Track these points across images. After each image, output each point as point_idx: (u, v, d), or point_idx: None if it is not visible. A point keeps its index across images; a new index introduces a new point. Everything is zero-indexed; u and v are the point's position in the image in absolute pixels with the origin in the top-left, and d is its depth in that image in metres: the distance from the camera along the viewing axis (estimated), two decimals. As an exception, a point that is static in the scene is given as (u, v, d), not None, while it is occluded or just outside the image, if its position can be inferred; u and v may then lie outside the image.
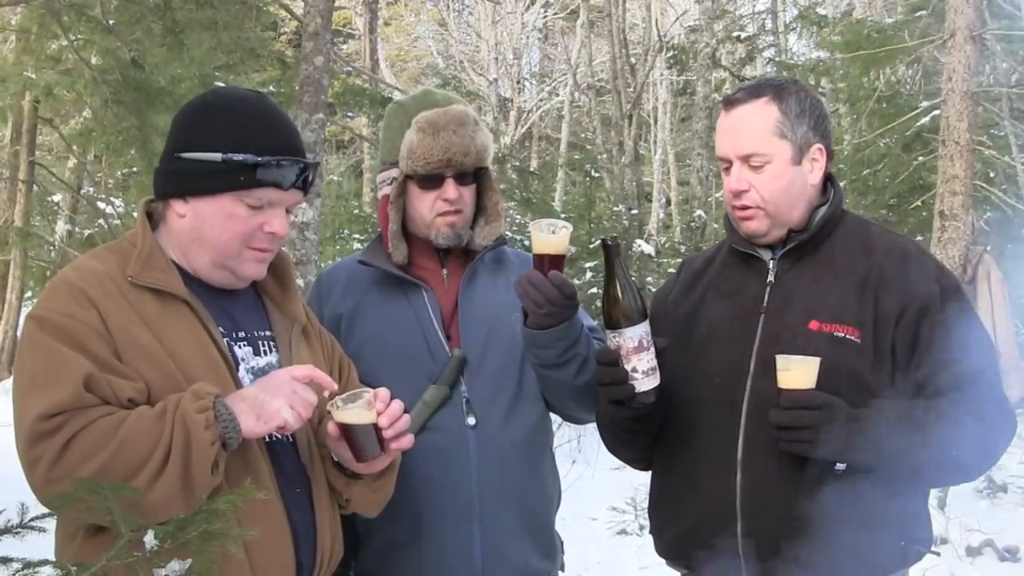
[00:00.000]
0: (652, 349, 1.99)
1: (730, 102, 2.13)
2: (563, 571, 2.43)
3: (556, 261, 2.13)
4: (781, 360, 1.92)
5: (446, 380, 2.24)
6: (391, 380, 2.15)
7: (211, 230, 1.80)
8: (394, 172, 2.33)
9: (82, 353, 1.63)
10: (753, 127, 2.08)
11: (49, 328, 1.66)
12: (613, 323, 1.98)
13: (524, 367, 2.30)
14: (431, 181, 2.27)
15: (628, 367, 1.97)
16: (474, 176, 2.33)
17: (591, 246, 10.75)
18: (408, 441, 1.86)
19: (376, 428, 1.80)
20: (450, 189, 2.27)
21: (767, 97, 2.08)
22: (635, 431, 2.18)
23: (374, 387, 2.20)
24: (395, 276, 2.32)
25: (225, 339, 1.82)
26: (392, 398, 1.85)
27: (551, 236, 2.13)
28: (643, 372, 1.98)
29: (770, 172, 2.07)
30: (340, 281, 2.38)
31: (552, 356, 2.21)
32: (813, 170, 2.11)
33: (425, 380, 2.24)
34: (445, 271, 2.37)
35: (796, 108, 2.08)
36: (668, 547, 2.21)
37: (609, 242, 2.03)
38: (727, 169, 2.13)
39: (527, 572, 2.28)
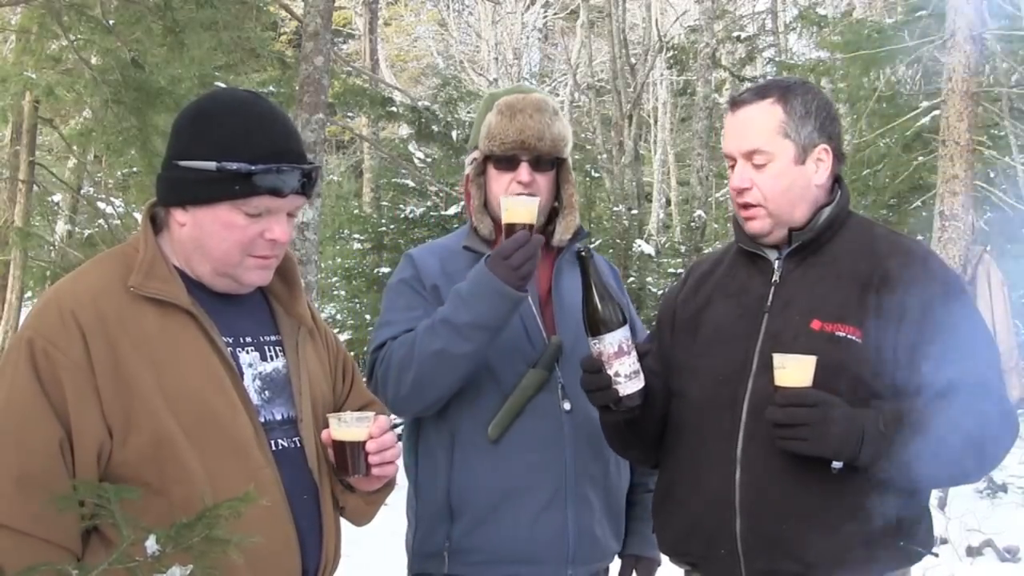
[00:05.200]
0: (633, 353, 2.02)
1: (736, 102, 2.15)
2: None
3: (528, 230, 2.18)
4: (778, 358, 1.93)
5: (545, 364, 2.31)
6: (491, 360, 2.27)
7: (210, 239, 1.77)
8: (475, 153, 2.42)
9: (56, 405, 1.62)
10: (757, 126, 2.10)
11: (35, 360, 1.63)
12: (593, 330, 2.02)
13: None
14: (506, 163, 2.36)
15: (611, 372, 2.00)
16: (551, 164, 2.40)
17: (591, 247, 10.76)
18: (391, 470, 1.86)
19: (364, 449, 1.81)
20: (523, 172, 2.35)
21: (773, 98, 2.10)
22: (631, 433, 2.21)
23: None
24: None
25: (230, 347, 1.79)
26: (391, 428, 1.86)
27: (521, 203, 2.16)
28: (625, 376, 2.00)
29: (772, 171, 2.09)
30: (434, 260, 2.42)
31: None
32: (818, 170, 2.12)
33: (522, 362, 2.30)
34: None
35: (801, 109, 2.09)
36: (670, 544, 2.22)
37: (583, 252, 2.07)
38: (732, 167, 2.15)
39: (606, 551, 2.42)
